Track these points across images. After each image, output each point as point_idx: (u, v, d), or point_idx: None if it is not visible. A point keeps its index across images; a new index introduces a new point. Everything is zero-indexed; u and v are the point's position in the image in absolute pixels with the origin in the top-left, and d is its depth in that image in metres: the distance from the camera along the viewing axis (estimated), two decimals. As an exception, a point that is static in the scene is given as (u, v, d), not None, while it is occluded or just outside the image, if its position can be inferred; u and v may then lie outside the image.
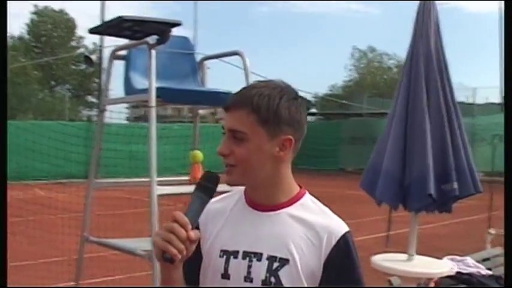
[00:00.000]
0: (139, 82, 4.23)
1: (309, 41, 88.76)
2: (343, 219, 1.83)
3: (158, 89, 3.78)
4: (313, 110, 46.37)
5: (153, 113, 3.76)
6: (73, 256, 5.59)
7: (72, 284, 4.80)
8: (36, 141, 24.13)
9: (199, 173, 4.15)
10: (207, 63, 4.80)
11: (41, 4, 51.40)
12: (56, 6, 52.70)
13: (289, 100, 1.80)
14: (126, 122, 27.59)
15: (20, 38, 49.20)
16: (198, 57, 4.77)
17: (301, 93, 1.87)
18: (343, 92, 50.37)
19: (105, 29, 3.91)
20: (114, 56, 4.39)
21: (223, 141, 1.81)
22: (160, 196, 3.68)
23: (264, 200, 1.86)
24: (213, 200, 1.88)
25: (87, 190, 4.38)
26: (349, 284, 1.77)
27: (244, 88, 1.83)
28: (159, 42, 3.79)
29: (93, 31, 3.95)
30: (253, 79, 4.30)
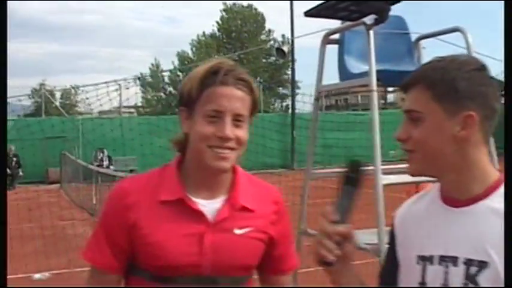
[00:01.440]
0: (354, 66, 4.02)
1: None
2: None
3: (378, 72, 3.51)
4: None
5: (375, 98, 3.50)
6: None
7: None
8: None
9: None
10: (423, 42, 4.47)
11: (230, 2, 53.36)
12: (244, 2, 54.44)
13: (469, 71, 1.56)
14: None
15: (212, 36, 51.49)
16: (413, 37, 4.45)
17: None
18: None
19: (319, 10, 3.72)
20: (326, 41, 4.20)
21: (401, 125, 1.64)
22: (386, 186, 3.41)
23: (456, 193, 1.59)
24: (409, 200, 1.77)
25: (305, 181, 4.26)
26: None
27: (421, 65, 1.65)
28: (378, 21, 3.48)
29: (308, 14, 3.79)
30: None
